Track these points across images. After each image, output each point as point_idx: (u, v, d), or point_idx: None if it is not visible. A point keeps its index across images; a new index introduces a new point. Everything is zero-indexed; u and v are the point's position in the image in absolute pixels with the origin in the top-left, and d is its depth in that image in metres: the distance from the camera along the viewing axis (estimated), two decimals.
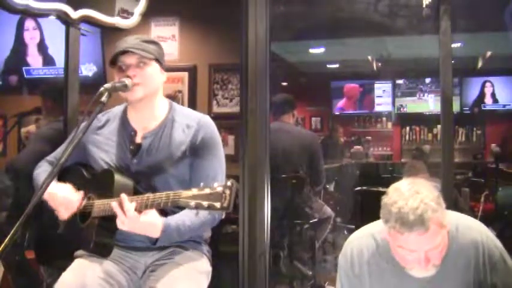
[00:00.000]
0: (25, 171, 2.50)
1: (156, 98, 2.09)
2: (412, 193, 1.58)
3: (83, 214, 2.03)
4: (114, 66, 2.03)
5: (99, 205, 1.95)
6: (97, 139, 2.12)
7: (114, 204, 1.84)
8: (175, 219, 1.92)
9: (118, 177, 1.96)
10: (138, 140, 2.07)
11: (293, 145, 4.06)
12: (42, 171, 2.17)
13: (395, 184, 1.66)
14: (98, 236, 1.94)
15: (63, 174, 2.14)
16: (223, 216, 2.02)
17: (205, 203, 1.65)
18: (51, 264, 2.48)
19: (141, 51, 1.98)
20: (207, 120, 2.10)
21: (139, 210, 1.82)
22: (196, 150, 2.02)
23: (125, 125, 2.11)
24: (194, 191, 1.68)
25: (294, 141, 4.08)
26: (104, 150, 2.09)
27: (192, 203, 1.67)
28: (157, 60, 2.04)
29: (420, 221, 1.53)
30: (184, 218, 1.94)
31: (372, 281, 1.77)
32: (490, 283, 1.67)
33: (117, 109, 2.18)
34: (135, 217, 1.82)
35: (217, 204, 1.64)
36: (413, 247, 1.58)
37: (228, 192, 1.64)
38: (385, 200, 1.63)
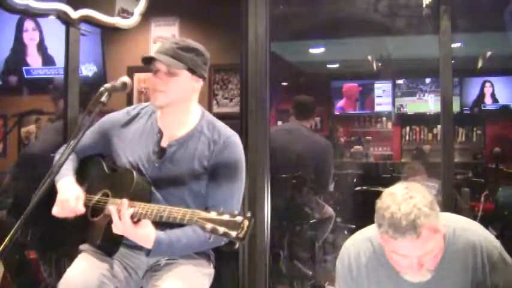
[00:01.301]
0: (38, 160, 2.49)
1: (188, 105, 2.05)
2: (406, 198, 1.56)
3: (94, 208, 2.02)
4: (147, 66, 2.00)
5: (114, 203, 1.92)
6: (124, 134, 2.09)
7: (111, 208, 1.84)
8: (170, 236, 1.89)
9: (138, 180, 1.94)
10: (163, 144, 2.04)
11: (307, 149, 4.03)
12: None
13: (390, 188, 1.65)
14: (106, 233, 1.92)
15: (84, 164, 2.13)
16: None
17: (221, 230, 1.62)
18: (55, 251, 2.47)
19: (170, 60, 1.94)
20: (235, 140, 2.05)
21: (137, 218, 1.82)
22: (217, 169, 1.98)
23: (153, 125, 2.07)
24: (213, 215, 1.65)
25: (309, 145, 4.06)
26: (129, 147, 2.06)
27: (209, 226, 1.64)
28: (190, 69, 1.99)
29: (412, 226, 1.51)
30: (182, 236, 1.91)
31: (370, 285, 1.76)
32: (491, 284, 1.66)
33: (150, 106, 2.14)
34: (130, 226, 1.81)
35: (233, 233, 1.61)
36: (406, 252, 1.57)
37: (246, 223, 1.61)
38: (378, 204, 1.61)
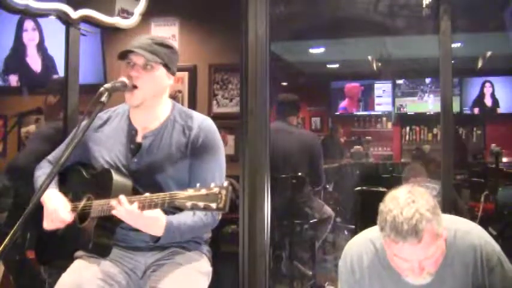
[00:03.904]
0: (25, 170, 2.50)
1: (160, 100, 2.08)
2: (408, 202, 1.57)
3: (82, 214, 2.03)
4: (122, 61, 2.02)
5: (98, 205, 1.94)
6: (98, 137, 2.11)
7: (113, 202, 1.84)
8: (177, 218, 1.92)
9: (117, 177, 1.96)
10: (138, 139, 2.06)
11: (294, 146, 4.08)
12: (42, 173, 2.16)
13: (393, 192, 1.65)
14: (96, 236, 1.94)
15: (62, 175, 2.14)
16: (220, 217, 2.02)
17: (201, 204, 1.65)
18: (51, 265, 2.48)
19: (148, 54, 1.97)
20: (209, 123, 2.09)
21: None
22: (196, 152, 2.02)
23: (126, 124, 2.10)
24: (190, 192, 1.69)
25: (295, 141, 4.10)
26: (105, 148, 2.09)
27: (188, 203, 1.67)
28: (166, 65, 2.03)
29: (414, 231, 1.53)
30: (186, 218, 1.93)
31: (372, 286, 1.77)
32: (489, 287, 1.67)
33: (121, 107, 2.18)
34: (138, 214, 1.81)
35: (213, 205, 1.64)
36: (407, 256, 1.58)
37: (224, 192, 1.64)
38: (381, 207, 1.63)
